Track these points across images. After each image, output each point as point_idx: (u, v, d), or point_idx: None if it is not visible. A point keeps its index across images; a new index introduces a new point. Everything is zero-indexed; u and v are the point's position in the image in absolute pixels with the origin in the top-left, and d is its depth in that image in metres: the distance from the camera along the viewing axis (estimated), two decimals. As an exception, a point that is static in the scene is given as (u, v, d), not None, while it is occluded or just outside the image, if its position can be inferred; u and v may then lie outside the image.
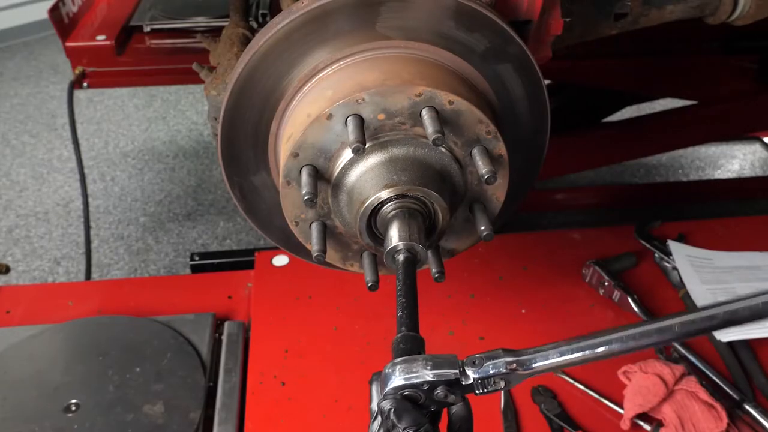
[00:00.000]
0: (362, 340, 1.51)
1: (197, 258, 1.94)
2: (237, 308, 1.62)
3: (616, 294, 1.62)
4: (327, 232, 0.97)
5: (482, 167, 0.86)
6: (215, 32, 1.67)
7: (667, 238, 1.81)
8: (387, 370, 0.76)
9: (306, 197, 0.86)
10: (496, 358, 0.76)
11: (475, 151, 0.88)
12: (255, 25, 1.85)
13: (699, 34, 2.42)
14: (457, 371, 0.75)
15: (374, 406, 0.77)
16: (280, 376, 1.40)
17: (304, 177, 0.89)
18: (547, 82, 2.81)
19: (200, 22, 2.39)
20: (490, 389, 0.77)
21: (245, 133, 0.99)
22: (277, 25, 0.92)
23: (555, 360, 0.77)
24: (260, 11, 2.38)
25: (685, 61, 2.52)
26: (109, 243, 3.13)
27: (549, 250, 1.85)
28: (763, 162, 3.46)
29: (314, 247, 0.94)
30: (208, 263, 1.93)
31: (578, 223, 2.90)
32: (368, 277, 0.97)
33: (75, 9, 2.42)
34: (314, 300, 1.61)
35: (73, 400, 1.30)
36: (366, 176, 0.89)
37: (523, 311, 1.61)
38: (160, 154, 3.70)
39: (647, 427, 1.31)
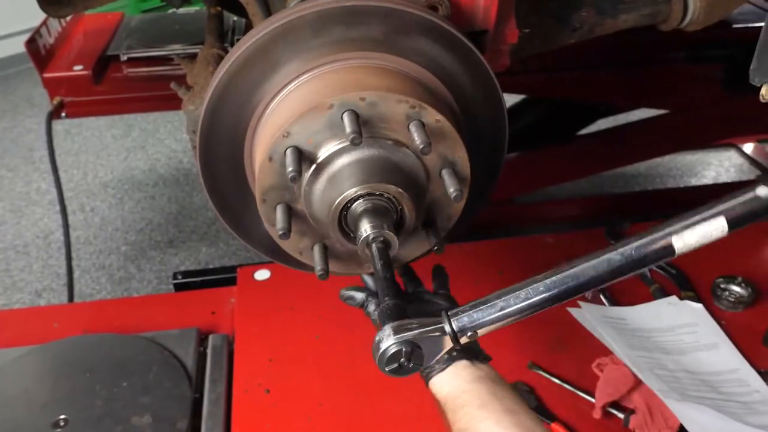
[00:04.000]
0: (344, 346, 1.54)
1: (180, 276, 1.97)
2: (221, 323, 1.65)
3: (588, 293, 1.68)
4: (292, 215, 1.00)
5: (417, 138, 0.90)
6: (192, 58, 1.73)
7: (636, 239, 1.87)
8: (379, 336, 0.83)
9: (290, 174, 0.90)
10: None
11: (411, 127, 0.92)
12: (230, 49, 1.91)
13: (665, 45, 2.52)
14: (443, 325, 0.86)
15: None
16: (264, 384, 1.43)
17: (289, 155, 0.92)
18: (522, 96, 2.88)
19: (176, 49, 2.45)
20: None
21: (223, 143, 1.04)
22: (252, 38, 0.98)
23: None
24: (236, 37, 2.45)
25: (653, 71, 2.61)
26: (90, 273, 3.14)
27: (523, 254, 1.90)
28: (738, 168, 3.56)
29: (279, 225, 0.96)
30: (191, 281, 1.96)
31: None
32: (318, 266, 1.01)
33: (51, 40, 2.47)
34: (296, 311, 1.65)
35: (62, 416, 1.32)
36: (325, 192, 0.94)
37: (500, 313, 1.66)
38: (140, 183, 3.72)
39: (620, 415, 1.37)
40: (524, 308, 0.87)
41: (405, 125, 0.93)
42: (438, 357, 0.90)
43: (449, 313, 0.87)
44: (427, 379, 0.95)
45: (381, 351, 0.83)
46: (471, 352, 0.95)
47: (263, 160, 0.94)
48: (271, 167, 0.94)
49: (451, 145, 0.96)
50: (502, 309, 0.86)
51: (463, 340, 0.87)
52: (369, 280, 1.12)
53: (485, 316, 0.87)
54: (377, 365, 0.84)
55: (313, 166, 0.94)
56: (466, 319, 0.86)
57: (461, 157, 0.96)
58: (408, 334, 0.83)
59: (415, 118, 0.93)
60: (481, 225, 2.47)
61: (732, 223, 0.82)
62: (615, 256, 0.85)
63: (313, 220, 0.99)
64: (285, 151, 0.92)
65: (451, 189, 0.93)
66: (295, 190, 0.97)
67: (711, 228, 0.82)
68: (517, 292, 0.87)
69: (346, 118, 0.90)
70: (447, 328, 0.85)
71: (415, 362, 0.84)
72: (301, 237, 1.03)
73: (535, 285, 0.87)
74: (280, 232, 0.93)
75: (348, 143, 0.91)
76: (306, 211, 0.99)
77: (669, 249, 0.83)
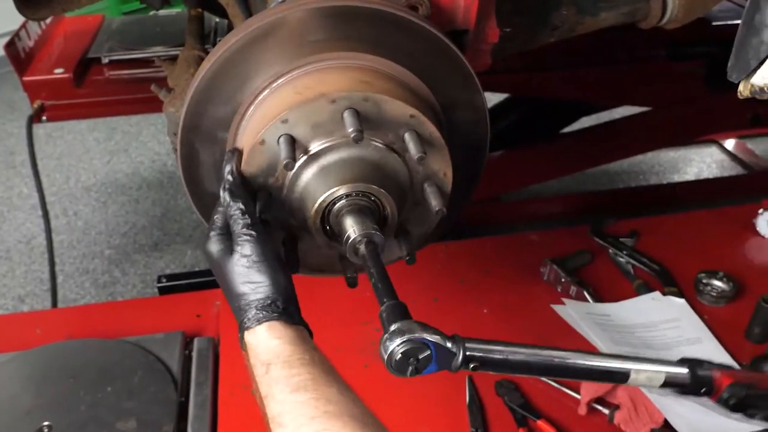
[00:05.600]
0: (332, 347, 1.51)
1: (164, 280, 1.96)
2: (206, 326, 1.64)
3: (573, 289, 1.69)
4: (271, 206, 1.01)
5: (413, 149, 0.92)
6: (173, 59, 1.72)
7: (620, 236, 1.89)
8: (386, 336, 0.82)
9: (285, 161, 0.90)
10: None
11: (406, 136, 0.94)
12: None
13: (646, 43, 2.54)
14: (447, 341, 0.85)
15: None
16: (250, 387, 1.42)
17: (283, 142, 0.92)
18: (504, 96, 2.90)
19: (158, 51, 2.43)
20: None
21: (204, 145, 1.03)
22: (233, 39, 0.97)
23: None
24: (218, 38, 2.44)
25: (634, 69, 2.63)
26: (74, 278, 3.11)
27: (509, 252, 1.91)
28: (720, 164, 3.59)
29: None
30: (176, 284, 1.95)
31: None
32: (348, 274, 1.03)
33: (31, 43, 2.44)
34: (282, 313, 1.64)
35: (46, 423, 1.31)
36: (311, 185, 0.94)
37: (485, 311, 1.67)
38: (124, 186, 3.69)
39: (605, 411, 1.38)
40: (525, 368, 0.93)
41: (402, 133, 0.94)
42: (270, 308, 0.85)
43: (464, 339, 0.87)
44: (256, 323, 0.85)
45: (391, 350, 0.81)
46: (302, 319, 0.89)
47: (255, 142, 0.93)
48: (261, 150, 0.94)
49: (439, 160, 0.97)
50: (508, 358, 0.90)
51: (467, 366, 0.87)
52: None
53: (495, 355, 0.89)
54: (385, 364, 0.83)
55: (305, 157, 0.94)
56: (478, 352, 0.87)
57: (446, 174, 0.98)
58: (419, 334, 0.82)
59: (412, 128, 0.93)
60: (467, 223, 2.48)
61: (665, 382, 0.99)
62: (610, 362, 0.97)
63: (292, 214, 0.99)
64: (279, 138, 0.92)
65: (434, 203, 0.95)
66: (280, 177, 0.96)
67: (655, 377, 0.98)
68: (525, 350, 0.92)
69: (347, 115, 0.90)
70: (459, 353, 0.85)
71: (423, 363, 0.83)
72: None
73: (543, 352, 0.93)
74: (262, 218, 0.92)
75: (343, 139, 0.92)
76: (287, 203, 0.98)
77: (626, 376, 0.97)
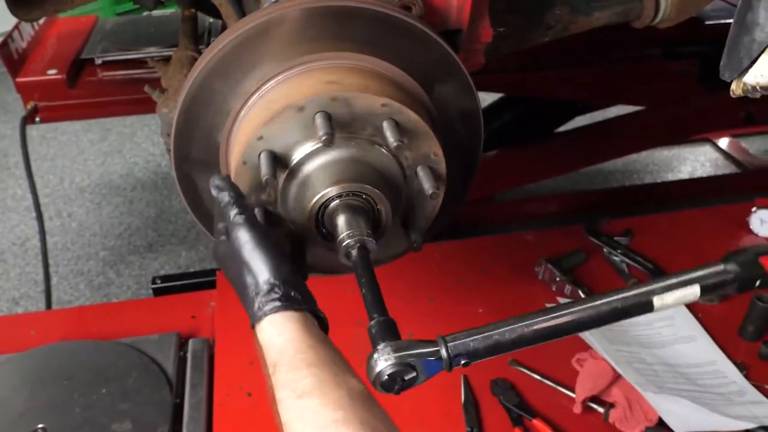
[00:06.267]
0: None
1: (159, 281, 1.95)
2: (201, 327, 1.64)
3: (568, 288, 1.70)
4: (269, 220, 1.01)
5: (390, 137, 0.92)
6: (167, 60, 1.72)
7: (614, 235, 1.90)
8: (375, 356, 0.81)
9: (265, 177, 0.90)
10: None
11: (384, 125, 0.93)
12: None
13: (639, 42, 2.54)
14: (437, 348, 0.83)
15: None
16: (246, 388, 1.42)
17: (263, 159, 0.93)
18: (498, 95, 2.90)
19: (152, 52, 2.42)
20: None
21: (197, 145, 1.03)
22: (225, 40, 0.97)
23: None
24: (211, 39, 2.43)
25: (628, 69, 2.64)
26: (68, 279, 3.10)
27: (504, 251, 1.92)
28: (714, 163, 3.60)
29: None
30: (171, 285, 1.94)
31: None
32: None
33: (24, 44, 2.43)
34: (277, 313, 1.64)
35: (40, 425, 1.31)
36: (319, 172, 0.94)
37: (481, 311, 1.67)
38: (118, 187, 3.68)
39: (600, 409, 1.38)
40: (516, 342, 0.87)
41: (379, 124, 0.93)
42: (270, 296, 0.82)
43: (445, 338, 0.85)
44: (261, 316, 0.82)
45: (378, 371, 0.80)
46: (312, 302, 0.87)
47: (238, 164, 0.94)
48: (245, 170, 0.94)
49: (426, 143, 0.96)
50: (497, 341, 0.86)
51: (455, 367, 0.85)
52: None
53: (480, 345, 0.85)
54: (370, 383, 0.82)
55: (288, 170, 0.94)
56: (461, 346, 0.84)
57: (437, 154, 0.97)
58: (405, 354, 0.81)
59: (388, 117, 0.93)
60: (462, 223, 2.49)
61: (704, 290, 0.90)
62: (603, 306, 0.89)
63: (291, 223, 0.99)
64: (259, 154, 0.92)
65: (427, 186, 0.94)
66: (270, 192, 0.96)
67: (687, 293, 0.89)
68: (512, 327, 0.87)
69: (318, 119, 0.90)
70: (443, 353, 0.83)
71: (409, 382, 0.83)
72: None
73: (528, 322, 0.87)
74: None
75: (321, 144, 0.91)
76: (282, 214, 0.98)
77: (649, 306, 0.88)
